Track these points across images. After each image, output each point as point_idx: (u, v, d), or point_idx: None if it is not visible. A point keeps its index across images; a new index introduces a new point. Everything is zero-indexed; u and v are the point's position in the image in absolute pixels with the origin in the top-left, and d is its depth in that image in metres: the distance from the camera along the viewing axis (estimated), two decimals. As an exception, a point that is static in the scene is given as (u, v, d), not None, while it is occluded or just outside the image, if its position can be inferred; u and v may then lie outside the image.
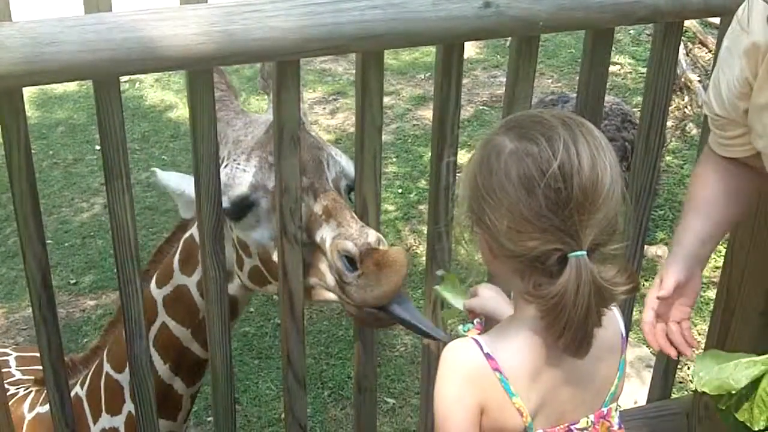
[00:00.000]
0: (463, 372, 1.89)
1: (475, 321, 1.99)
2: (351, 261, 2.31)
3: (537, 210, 1.73)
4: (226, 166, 2.41)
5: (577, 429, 1.93)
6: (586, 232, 1.73)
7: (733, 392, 2.10)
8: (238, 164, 2.42)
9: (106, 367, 2.76)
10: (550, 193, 1.72)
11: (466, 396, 1.88)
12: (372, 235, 2.32)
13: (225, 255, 2.42)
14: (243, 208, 2.42)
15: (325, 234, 2.37)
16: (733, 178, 2.36)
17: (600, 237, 1.75)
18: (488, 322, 2.10)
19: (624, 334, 1.98)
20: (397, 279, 2.29)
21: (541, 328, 1.82)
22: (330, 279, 2.39)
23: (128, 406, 2.74)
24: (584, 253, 1.73)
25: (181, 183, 2.49)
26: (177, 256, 2.64)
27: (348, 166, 2.54)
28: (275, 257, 2.45)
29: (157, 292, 2.66)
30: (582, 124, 1.80)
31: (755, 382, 2.09)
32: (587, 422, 1.94)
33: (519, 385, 1.86)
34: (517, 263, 1.81)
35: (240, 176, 2.41)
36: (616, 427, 1.98)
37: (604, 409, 1.96)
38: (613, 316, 1.97)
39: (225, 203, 2.39)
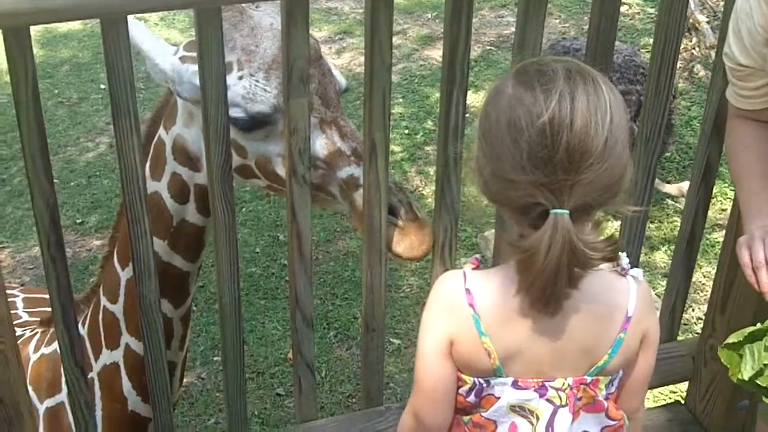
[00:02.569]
0: (441, 300, 1.94)
1: (473, 256, 1.99)
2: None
3: (519, 161, 1.70)
4: (242, 78, 2.40)
5: (551, 386, 1.92)
6: (571, 192, 1.69)
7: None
8: (258, 81, 2.40)
9: (103, 301, 2.76)
10: (533, 148, 1.68)
11: (438, 324, 1.92)
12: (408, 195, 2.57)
13: (233, 195, 2.42)
14: (259, 123, 2.42)
15: (357, 174, 2.48)
16: None
17: (590, 198, 1.71)
18: None
19: (629, 315, 1.92)
20: (425, 252, 2.56)
21: (518, 280, 1.81)
22: (341, 201, 2.54)
23: (125, 338, 2.73)
24: (565, 211, 1.70)
25: (155, 51, 2.46)
26: (148, 163, 2.62)
27: (340, 79, 2.58)
28: (277, 169, 2.48)
29: None
30: (589, 80, 1.73)
31: None
32: (563, 383, 1.92)
33: (490, 326, 1.87)
34: (507, 210, 1.81)
35: (262, 95, 2.39)
36: (601, 398, 1.96)
37: (587, 378, 1.93)
38: (627, 292, 1.93)
39: (240, 113, 2.40)
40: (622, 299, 1.93)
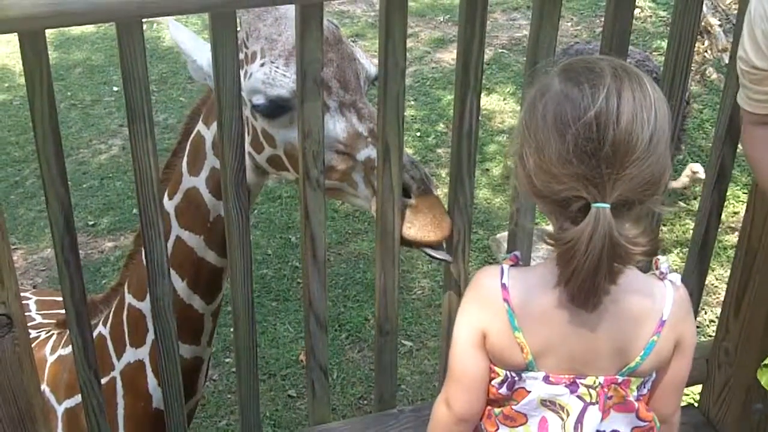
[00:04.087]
0: (478, 293, 1.99)
1: (512, 253, 2.01)
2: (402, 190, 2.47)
3: (564, 155, 1.72)
4: (263, 65, 2.41)
5: (582, 383, 1.94)
6: (614, 186, 1.71)
7: None
8: (278, 67, 2.41)
9: (128, 298, 2.75)
10: (579, 141, 1.70)
11: (473, 316, 1.97)
12: (423, 171, 2.49)
13: (247, 198, 2.42)
14: (280, 107, 2.43)
15: (374, 155, 2.45)
16: None
17: (631, 194, 1.73)
18: None
19: (664, 319, 1.93)
20: (442, 235, 2.47)
21: (557, 274, 1.82)
22: (363, 189, 2.49)
23: (152, 335, 2.71)
24: (607, 205, 1.71)
25: (194, 49, 2.50)
26: (185, 159, 2.64)
27: (369, 66, 2.57)
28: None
29: (169, 204, 2.66)
30: (635, 78, 1.76)
31: None
32: (594, 381, 1.94)
33: (524, 321, 1.90)
34: (548, 204, 1.83)
35: (281, 80, 2.40)
36: (631, 398, 1.98)
37: (619, 378, 1.94)
38: (663, 296, 1.95)
39: (261, 100, 2.41)
40: (658, 303, 1.94)
